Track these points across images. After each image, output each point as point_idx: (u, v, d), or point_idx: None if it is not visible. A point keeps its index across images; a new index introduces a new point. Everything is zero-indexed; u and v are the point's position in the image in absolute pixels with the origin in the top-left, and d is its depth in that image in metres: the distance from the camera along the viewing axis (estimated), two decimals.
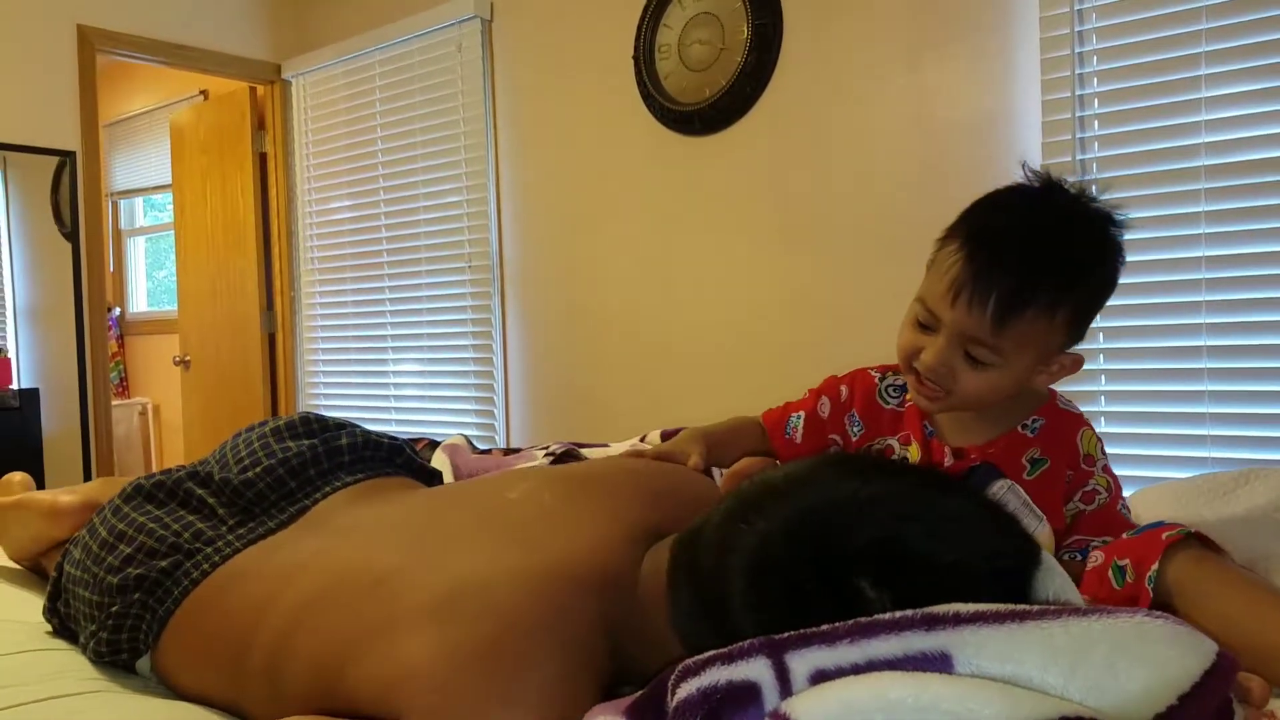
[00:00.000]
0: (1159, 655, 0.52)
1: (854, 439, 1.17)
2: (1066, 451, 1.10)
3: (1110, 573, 0.95)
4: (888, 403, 1.17)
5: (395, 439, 1.19)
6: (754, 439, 1.24)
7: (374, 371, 3.77)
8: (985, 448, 1.09)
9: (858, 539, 0.63)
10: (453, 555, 0.84)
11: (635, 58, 2.83)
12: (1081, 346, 1.07)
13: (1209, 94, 1.97)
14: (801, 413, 1.21)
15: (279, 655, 0.84)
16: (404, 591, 0.80)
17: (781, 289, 2.62)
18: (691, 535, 0.76)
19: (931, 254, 1.07)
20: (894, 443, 1.15)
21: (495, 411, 3.33)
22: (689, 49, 2.73)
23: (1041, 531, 1.00)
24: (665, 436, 1.73)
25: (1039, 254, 0.97)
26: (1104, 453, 1.13)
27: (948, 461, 1.10)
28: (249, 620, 0.89)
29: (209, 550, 0.99)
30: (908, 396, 1.16)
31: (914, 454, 1.12)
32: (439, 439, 1.83)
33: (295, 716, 0.80)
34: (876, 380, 1.19)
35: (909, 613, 0.56)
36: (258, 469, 1.07)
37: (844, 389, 1.20)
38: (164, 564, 0.98)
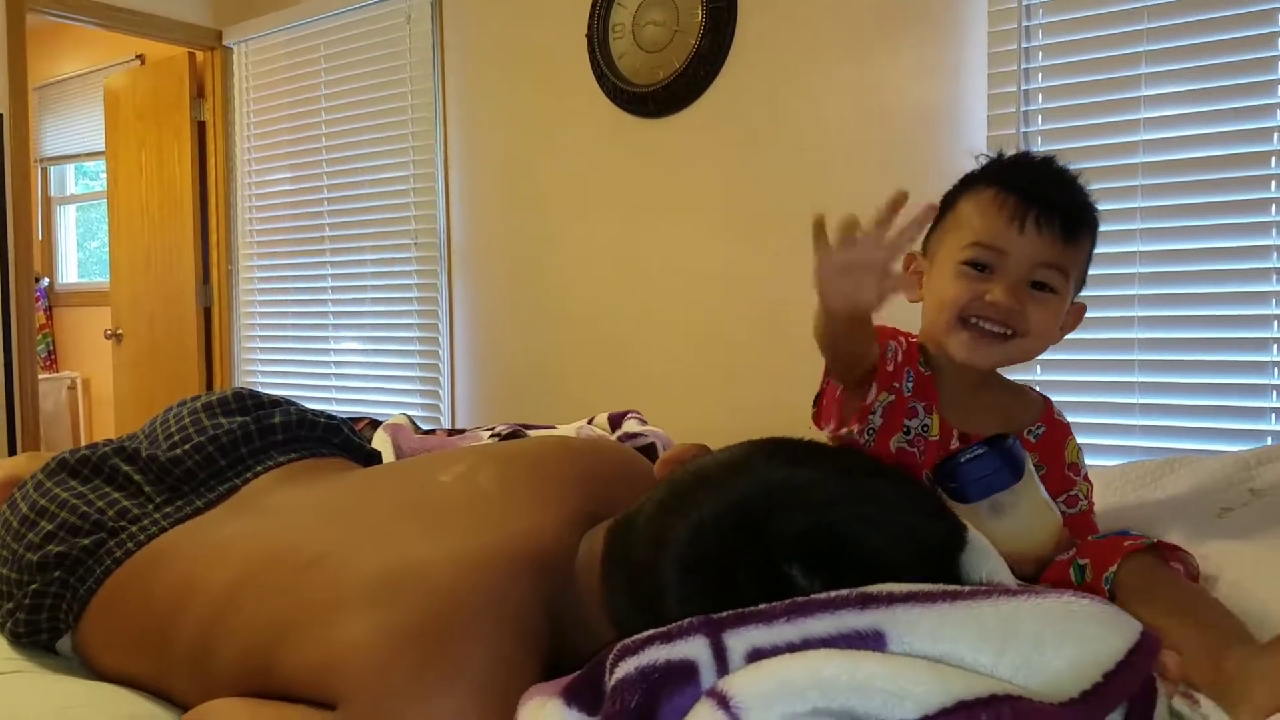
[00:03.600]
0: (1085, 634, 0.53)
1: (906, 395, 1.13)
2: (1058, 459, 1.13)
3: (1071, 570, 0.99)
4: (923, 368, 1.16)
5: (333, 418, 1.17)
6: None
7: (314, 349, 3.70)
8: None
9: (788, 527, 0.64)
10: (387, 538, 0.83)
11: (589, 36, 2.81)
12: None
13: (1148, 93, 2.02)
14: (896, 347, 1.13)
15: (207, 637, 0.83)
16: (338, 574, 0.79)
17: (734, 271, 2.62)
18: (625, 525, 0.76)
19: (932, 226, 1.12)
20: (920, 406, 1.14)
21: (440, 392, 3.30)
22: (643, 29, 2.71)
23: (1053, 522, 1.01)
24: (612, 419, 1.73)
25: (1074, 187, 1.08)
26: (1083, 461, 1.16)
27: (954, 442, 1.12)
28: (175, 601, 0.87)
29: (134, 529, 0.96)
30: (926, 367, 1.15)
31: (936, 425, 1.13)
32: (381, 418, 1.81)
33: (224, 699, 0.79)
34: (918, 343, 1.17)
35: (844, 592, 0.57)
36: (187, 446, 1.04)
37: (904, 342, 1.15)
38: (86, 542, 0.95)
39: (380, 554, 0.80)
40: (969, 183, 1.12)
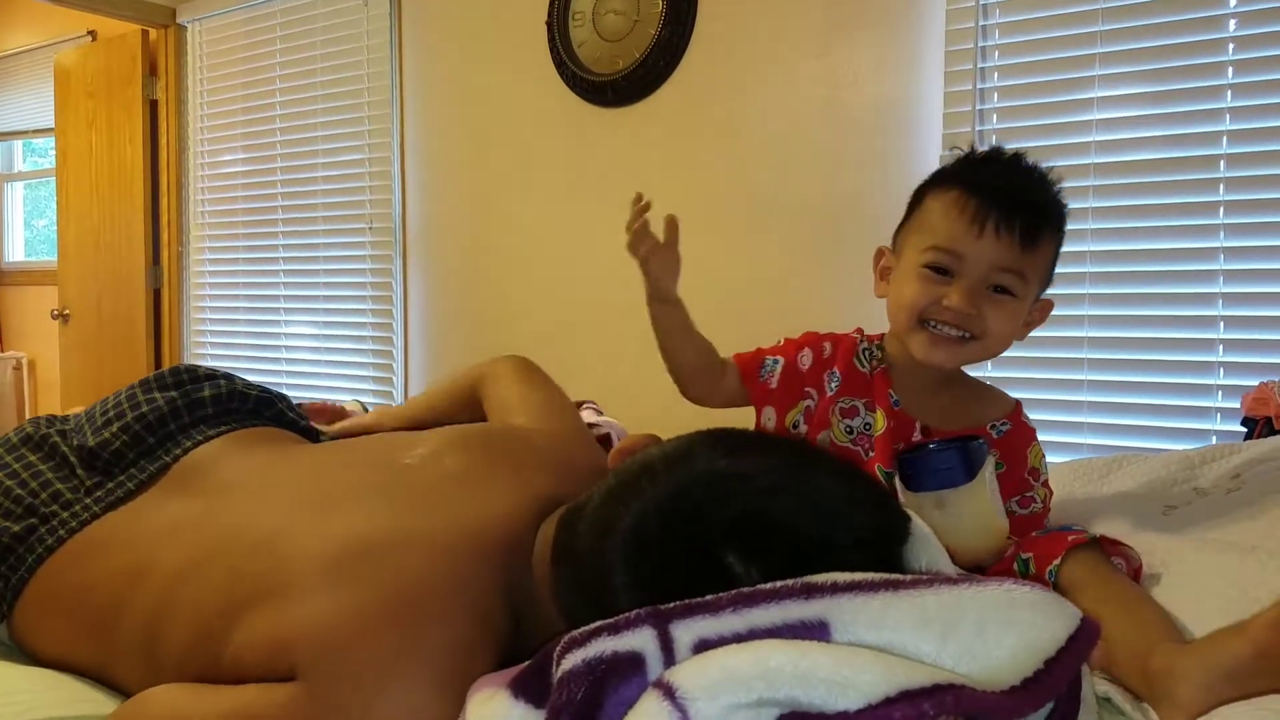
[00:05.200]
0: (1026, 621, 0.54)
1: (829, 394, 1.15)
2: (1019, 461, 1.14)
3: (1015, 564, 1.00)
4: (863, 366, 1.17)
5: (267, 391, 1.14)
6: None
7: (266, 333, 3.64)
8: (955, 434, 1.10)
9: (725, 514, 0.64)
10: (343, 515, 0.82)
11: (549, 23, 2.79)
12: None
13: (1101, 94, 2.05)
14: (780, 359, 1.19)
15: (155, 624, 0.81)
16: (291, 552, 0.78)
17: (691, 262, 2.61)
18: (573, 515, 0.76)
19: (902, 221, 1.14)
20: (860, 404, 1.15)
21: (394, 379, 3.26)
22: (603, 18, 2.69)
23: (994, 531, 1.02)
24: None
25: (1038, 190, 1.09)
26: (1046, 468, 1.18)
27: (916, 434, 1.12)
28: (121, 589, 0.85)
29: (65, 515, 0.94)
30: (874, 363, 1.17)
31: (880, 421, 1.13)
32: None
33: (166, 685, 0.78)
34: (857, 341, 1.19)
35: (789, 582, 0.57)
36: (115, 426, 1.01)
37: (827, 345, 1.19)
38: (17, 529, 0.93)
39: (336, 531, 0.79)
40: (938, 179, 1.12)
